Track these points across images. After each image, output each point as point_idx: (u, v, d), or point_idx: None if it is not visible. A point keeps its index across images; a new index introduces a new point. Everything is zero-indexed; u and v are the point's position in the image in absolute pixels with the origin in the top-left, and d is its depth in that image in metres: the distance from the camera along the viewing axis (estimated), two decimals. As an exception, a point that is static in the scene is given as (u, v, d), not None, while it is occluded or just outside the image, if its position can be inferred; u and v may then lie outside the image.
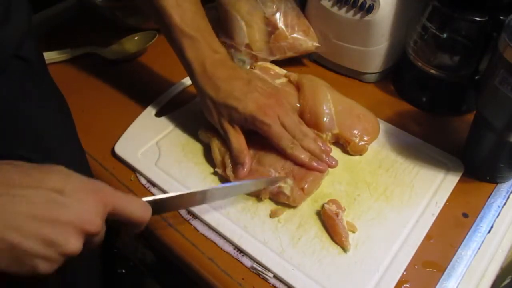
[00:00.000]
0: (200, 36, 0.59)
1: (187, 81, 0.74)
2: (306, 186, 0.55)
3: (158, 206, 0.46)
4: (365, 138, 0.62)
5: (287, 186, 0.55)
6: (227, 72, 0.59)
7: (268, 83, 0.64)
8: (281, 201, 0.56)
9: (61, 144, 0.55)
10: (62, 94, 0.59)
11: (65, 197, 0.36)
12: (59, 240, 0.35)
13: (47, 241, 0.35)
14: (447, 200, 0.57)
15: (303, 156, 0.57)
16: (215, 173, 0.60)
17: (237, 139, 0.59)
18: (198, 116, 0.68)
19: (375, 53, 0.72)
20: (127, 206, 0.41)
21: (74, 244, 0.36)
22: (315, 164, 0.57)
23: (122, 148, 0.64)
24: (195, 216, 0.56)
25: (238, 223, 0.55)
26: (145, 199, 0.45)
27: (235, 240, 0.53)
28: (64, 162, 0.53)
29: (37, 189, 0.36)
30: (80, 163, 0.59)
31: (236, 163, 0.58)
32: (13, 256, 0.34)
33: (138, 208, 0.42)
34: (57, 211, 0.36)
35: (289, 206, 0.56)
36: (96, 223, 0.38)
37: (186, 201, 0.52)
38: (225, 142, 0.60)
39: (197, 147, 0.64)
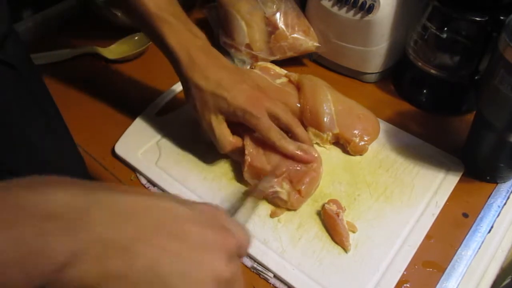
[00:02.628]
0: (179, 22, 0.56)
1: (187, 81, 0.74)
2: (303, 187, 0.55)
3: None
4: (365, 138, 0.62)
5: (283, 191, 0.55)
6: (213, 60, 0.57)
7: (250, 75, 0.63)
8: (280, 206, 0.56)
9: (56, 154, 0.54)
10: (54, 100, 0.57)
11: (199, 214, 0.29)
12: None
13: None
14: (447, 200, 0.57)
15: (292, 148, 0.56)
16: (213, 174, 0.60)
17: (221, 131, 0.57)
18: (198, 116, 0.68)
19: (375, 53, 0.72)
20: (240, 231, 0.32)
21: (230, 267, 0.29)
22: (302, 154, 0.56)
23: (122, 148, 0.64)
24: (195, 216, 0.56)
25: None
26: None
27: (235, 240, 0.53)
28: (60, 173, 0.53)
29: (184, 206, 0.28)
30: (76, 170, 0.58)
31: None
32: None
33: (247, 233, 0.33)
34: (212, 229, 0.28)
35: (289, 206, 0.56)
36: (243, 252, 0.31)
37: None
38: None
39: (197, 147, 0.64)
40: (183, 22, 0.57)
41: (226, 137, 0.57)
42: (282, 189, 0.55)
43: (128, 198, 0.26)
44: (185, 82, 0.58)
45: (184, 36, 0.56)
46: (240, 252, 0.31)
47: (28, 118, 0.50)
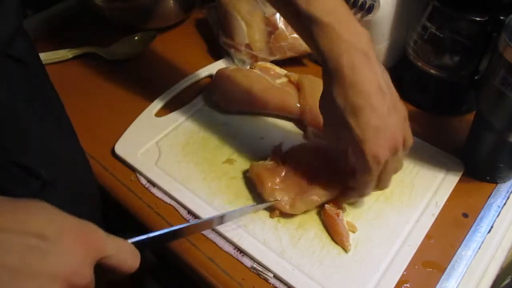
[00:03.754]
0: (335, 22, 0.46)
1: (187, 81, 0.74)
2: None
3: (147, 245, 0.42)
4: (365, 138, 0.62)
5: (280, 202, 0.55)
6: (370, 82, 0.46)
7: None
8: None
9: (63, 149, 0.54)
10: (60, 98, 0.58)
11: (47, 243, 0.29)
12: None
13: None
14: (447, 200, 0.57)
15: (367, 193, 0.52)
16: (213, 174, 0.60)
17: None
18: (198, 115, 0.68)
19: (375, 53, 0.72)
20: (119, 253, 0.35)
21: None
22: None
23: (122, 148, 0.64)
24: (195, 216, 0.56)
25: (238, 223, 0.55)
26: (130, 240, 0.39)
27: (235, 240, 0.53)
28: (68, 169, 0.53)
29: (13, 233, 0.29)
30: (83, 167, 0.58)
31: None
32: None
33: (129, 255, 0.36)
34: (39, 262, 0.29)
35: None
36: (84, 274, 0.31)
37: (171, 236, 0.48)
38: None
39: (197, 147, 0.64)
40: (340, 23, 0.47)
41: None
42: (282, 198, 0.55)
43: None
44: (327, 92, 0.50)
45: (338, 41, 0.46)
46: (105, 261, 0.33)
47: (35, 111, 0.50)
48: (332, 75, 0.47)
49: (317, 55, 0.49)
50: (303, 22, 0.47)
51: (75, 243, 0.31)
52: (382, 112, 0.46)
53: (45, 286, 0.29)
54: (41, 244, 0.29)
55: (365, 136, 0.45)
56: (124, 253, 0.35)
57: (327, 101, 0.48)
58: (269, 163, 0.58)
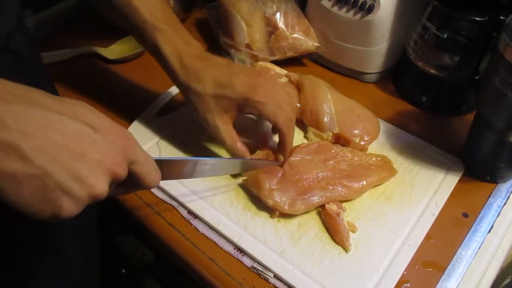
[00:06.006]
0: (173, 30, 0.57)
1: (187, 81, 0.74)
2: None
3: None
4: (365, 138, 0.62)
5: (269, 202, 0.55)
6: (205, 62, 0.57)
7: (246, 66, 0.61)
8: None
9: None
10: (58, 93, 0.57)
11: (98, 134, 0.34)
12: (90, 178, 0.32)
13: (78, 176, 0.32)
14: (447, 200, 0.57)
15: (291, 140, 0.57)
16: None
17: (229, 134, 0.57)
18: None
19: (375, 53, 0.72)
20: (145, 163, 0.39)
21: (103, 185, 0.33)
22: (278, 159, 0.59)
23: (122, 148, 0.64)
24: (195, 216, 0.56)
25: (239, 223, 0.55)
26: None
27: (236, 240, 0.53)
28: None
29: (72, 119, 0.33)
30: None
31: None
32: (40, 186, 0.31)
33: (154, 170, 0.40)
34: (91, 147, 0.33)
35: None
36: (124, 168, 0.36)
37: (180, 168, 0.50)
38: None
39: (197, 147, 0.64)
40: (177, 31, 0.57)
41: (234, 139, 0.57)
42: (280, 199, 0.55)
43: (38, 113, 0.32)
44: (183, 90, 0.58)
45: (177, 45, 0.56)
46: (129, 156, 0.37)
47: None
48: (177, 70, 0.56)
49: (157, 57, 0.58)
50: (148, 30, 0.56)
51: (119, 140, 0.35)
52: (229, 72, 0.56)
53: (92, 169, 0.33)
54: (93, 134, 0.34)
55: (245, 89, 0.55)
56: (149, 165, 0.39)
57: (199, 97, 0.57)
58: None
